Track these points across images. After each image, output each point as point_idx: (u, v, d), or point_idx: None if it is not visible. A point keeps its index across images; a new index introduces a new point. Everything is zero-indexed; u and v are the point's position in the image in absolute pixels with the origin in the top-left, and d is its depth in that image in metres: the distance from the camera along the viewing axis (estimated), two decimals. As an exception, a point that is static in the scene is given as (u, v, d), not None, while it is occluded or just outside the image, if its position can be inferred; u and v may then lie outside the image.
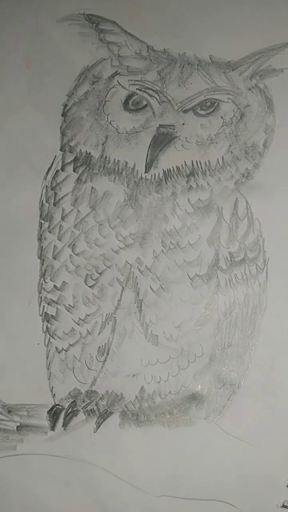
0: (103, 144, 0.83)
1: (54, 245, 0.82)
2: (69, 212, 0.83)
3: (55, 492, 0.79)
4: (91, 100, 0.84)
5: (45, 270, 0.83)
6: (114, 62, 0.85)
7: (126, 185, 0.82)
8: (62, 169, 0.84)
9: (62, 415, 0.81)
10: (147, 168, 0.82)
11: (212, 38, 0.85)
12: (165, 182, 0.82)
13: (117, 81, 0.84)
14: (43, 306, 0.82)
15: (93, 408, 0.81)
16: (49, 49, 0.87)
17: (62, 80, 0.86)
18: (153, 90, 0.82)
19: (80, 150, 0.83)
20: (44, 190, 0.84)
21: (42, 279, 0.83)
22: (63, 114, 0.85)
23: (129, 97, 0.83)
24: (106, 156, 0.82)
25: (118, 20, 0.85)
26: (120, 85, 0.84)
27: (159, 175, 0.82)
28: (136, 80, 0.83)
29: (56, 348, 0.82)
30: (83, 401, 0.81)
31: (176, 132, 0.81)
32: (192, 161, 0.82)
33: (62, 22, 0.86)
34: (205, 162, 0.82)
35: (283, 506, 0.76)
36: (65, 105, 0.85)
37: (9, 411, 0.82)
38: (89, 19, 0.85)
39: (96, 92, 0.84)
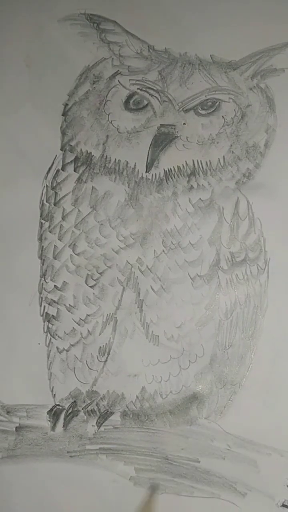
0: (103, 144, 0.82)
1: (55, 245, 0.82)
2: (70, 212, 0.83)
3: (56, 493, 0.79)
4: (92, 100, 0.84)
5: (46, 270, 0.83)
6: (115, 62, 0.84)
7: (127, 185, 0.82)
8: (63, 168, 0.83)
9: (62, 416, 0.81)
10: (148, 167, 0.82)
11: (213, 38, 0.85)
12: (166, 182, 0.82)
13: (118, 80, 0.84)
14: (44, 306, 0.82)
15: (93, 408, 0.81)
16: (50, 49, 0.87)
17: (63, 80, 0.86)
18: (154, 90, 0.82)
19: (81, 149, 0.83)
20: (45, 190, 0.84)
21: (43, 279, 0.83)
22: (64, 114, 0.84)
23: (130, 96, 0.83)
24: (106, 156, 0.82)
25: (119, 20, 0.85)
26: (121, 84, 0.84)
27: (160, 174, 0.82)
28: (137, 80, 0.83)
29: (57, 348, 0.82)
30: (84, 401, 0.81)
31: (177, 131, 0.81)
32: (193, 160, 0.82)
33: (63, 22, 0.86)
34: (206, 162, 0.82)
35: (283, 505, 0.76)
36: (66, 105, 0.85)
37: (8, 412, 0.82)
38: (90, 19, 0.85)
39: (96, 92, 0.84)
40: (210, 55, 0.84)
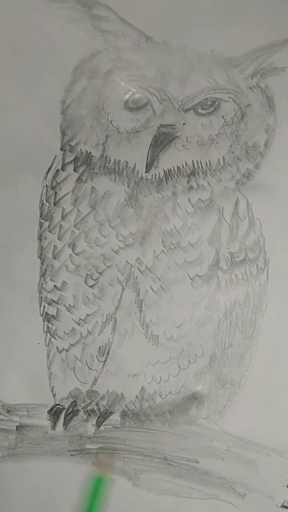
0: (103, 144, 0.82)
1: (54, 245, 0.82)
2: (69, 212, 0.82)
3: (56, 491, 0.80)
4: (90, 97, 0.83)
5: (45, 270, 0.82)
6: (112, 55, 0.83)
7: (127, 185, 0.82)
8: (63, 168, 0.83)
9: (62, 415, 0.81)
10: (148, 168, 0.81)
11: (213, 32, 0.84)
12: (166, 182, 0.81)
13: (116, 77, 0.83)
14: (44, 306, 0.82)
15: (93, 408, 0.81)
16: (39, 38, 0.83)
17: (58, 73, 0.84)
18: (153, 88, 0.82)
19: (81, 149, 0.82)
20: (44, 190, 0.83)
21: (42, 279, 0.82)
22: (63, 112, 0.84)
23: (129, 95, 0.82)
24: (106, 156, 0.82)
25: (113, 5, 0.82)
26: (119, 81, 0.83)
27: (159, 175, 0.81)
28: (136, 77, 0.82)
29: (57, 348, 0.82)
30: (84, 401, 0.81)
31: (177, 132, 0.81)
32: (192, 161, 0.81)
33: (50, 3, 0.82)
34: (206, 162, 0.81)
35: (283, 506, 0.76)
36: (64, 102, 0.84)
37: (8, 411, 0.82)
38: (80, 1, 0.82)
39: (94, 88, 0.83)
40: (210, 50, 0.83)
